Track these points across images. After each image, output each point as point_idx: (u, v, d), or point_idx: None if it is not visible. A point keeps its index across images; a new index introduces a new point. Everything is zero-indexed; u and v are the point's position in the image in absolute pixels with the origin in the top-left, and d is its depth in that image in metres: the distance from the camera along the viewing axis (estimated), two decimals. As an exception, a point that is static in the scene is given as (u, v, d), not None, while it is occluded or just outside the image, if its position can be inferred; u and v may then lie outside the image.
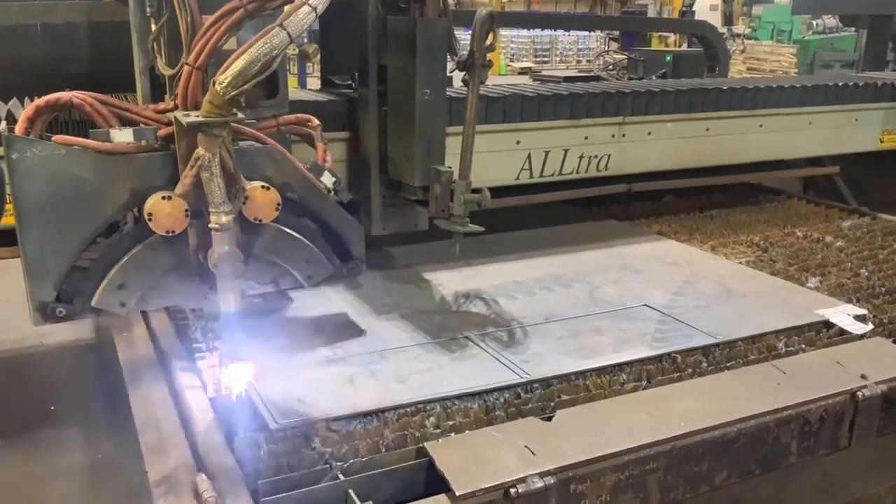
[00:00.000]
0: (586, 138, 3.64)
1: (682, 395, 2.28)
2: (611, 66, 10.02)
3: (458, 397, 2.23)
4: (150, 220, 1.98)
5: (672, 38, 15.62)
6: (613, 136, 3.72)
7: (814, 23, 15.56)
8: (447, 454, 1.90)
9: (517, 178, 3.53)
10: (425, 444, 1.94)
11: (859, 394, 2.29)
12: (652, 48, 12.42)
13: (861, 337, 2.71)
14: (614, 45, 15.61)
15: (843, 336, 2.72)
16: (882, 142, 4.56)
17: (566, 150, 3.60)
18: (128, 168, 2.04)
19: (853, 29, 10.63)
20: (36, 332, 2.53)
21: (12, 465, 2.51)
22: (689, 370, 2.45)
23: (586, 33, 17.12)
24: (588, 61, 16.76)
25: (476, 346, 2.54)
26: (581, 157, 3.65)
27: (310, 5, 1.87)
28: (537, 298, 3.00)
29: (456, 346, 2.54)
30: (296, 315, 2.67)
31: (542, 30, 16.68)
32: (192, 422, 2.08)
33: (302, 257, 2.24)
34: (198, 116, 1.92)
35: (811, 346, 2.64)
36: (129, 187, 2.04)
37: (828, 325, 2.78)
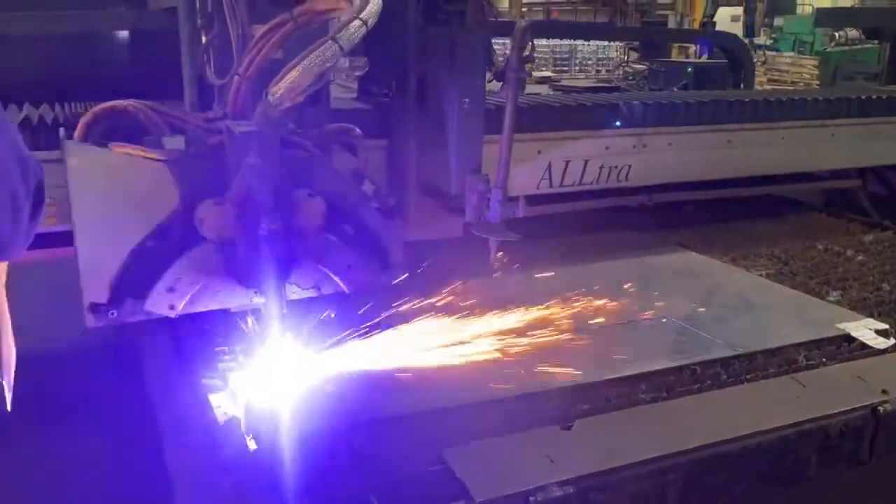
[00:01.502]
0: (607, 148, 3.64)
1: (701, 407, 2.29)
2: (630, 77, 10.01)
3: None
4: (201, 225, 2.03)
5: (692, 48, 15.57)
6: (634, 146, 3.72)
7: (836, 35, 15.46)
8: (466, 461, 1.92)
9: (537, 188, 3.54)
10: (444, 450, 1.95)
11: (881, 409, 2.28)
12: (671, 59, 12.41)
13: (883, 352, 2.69)
14: (633, 56, 15.58)
15: (865, 350, 2.70)
16: (905, 155, 4.53)
17: (586, 161, 3.61)
18: (179, 175, 2.09)
19: (876, 41, 10.57)
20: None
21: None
22: (709, 382, 2.45)
23: (606, 43, 17.07)
24: (608, 71, 16.71)
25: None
26: (601, 168, 3.66)
27: (360, 19, 1.90)
28: (556, 308, 3.01)
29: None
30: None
31: (562, 39, 16.65)
32: (217, 425, 2.11)
33: (343, 263, 2.27)
34: (250, 126, 1.97)
35: (832, 359, 2.63)
36: (180, 193, 2.09)
37: (849, 339, 2.77)
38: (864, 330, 2.81)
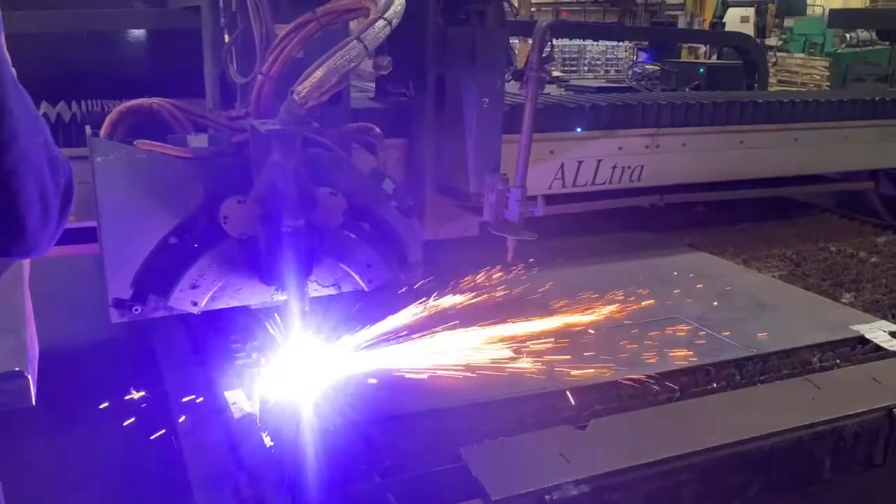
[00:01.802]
0: (620, 149, 3.64)
1: (715, 408, 2.29)
2: (640, 77, 9.99)
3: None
4: (225, 222, 2.05)
5: (702, 49, 15.53)
6: (647, 146, 3.72)
7: (847, 36, 15.39)
8: (482, 459, 1.92)
9: (549, 188, 3.55)
10: (461, 448, 1.96)
11: (895, 411, 2.27)
12: (681, 59, 12.37)
13: (897, 354, 2.69)
14: (643, 56, 15.56)
15: (879, 353, 2.70)
16: (918, 157, 4.51)
17: (599, 161, 3.61)
18: (203, 172, 2.12)
19: (887, 43, 10.53)
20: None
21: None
22: (723, 383, 2.45)
23: (615, 43, 17.04)
24: (616, 71, 16.67)
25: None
26: (614, 168, 3.66)
27: (385, 19, 1.92)
28: (569, 308, 3.01)
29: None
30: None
31: (583, 39, 16.62)
32: (233, 421, 2.13)
33: (363, 261, 2.30)
34: (274, 125, 1.99)
35: (846, 361, 2.63)
36: (204, 191, 2.12)
37: (863, 341, 2.77)
38: (879, 332, 2.80)
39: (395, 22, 1.93)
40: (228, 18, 2.45)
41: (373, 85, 3.50)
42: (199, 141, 2.15)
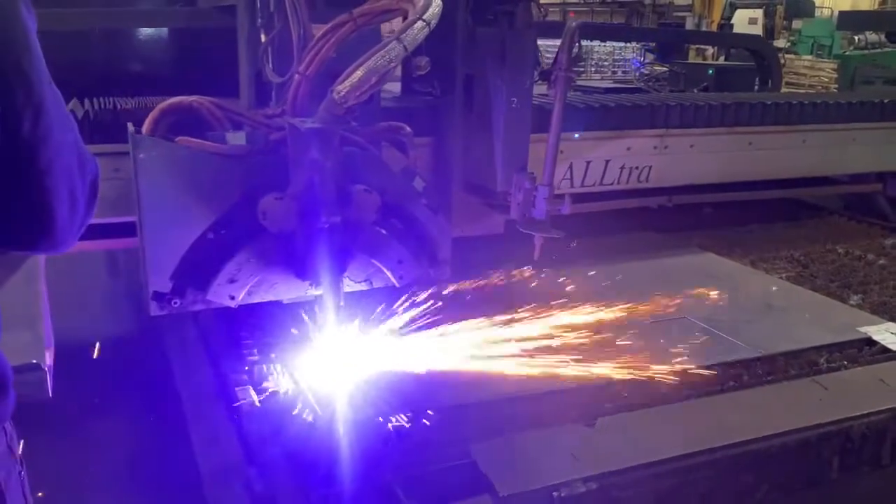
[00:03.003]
0: (628, 149, 3.65)
1: (723, 408, 2.30)
2: (649, 78, 10.02)
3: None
4: (263, 218, 2.10)
5: (710, 50, 15.53)
6: (655, 147, 3.73)
7: (855, 38, 15.35)
8: (491, 456, 1.94)
9: (558, 188, 3.54)
10: (470, 445, 1.97)
11: (903, 412, 2.28)
12: (689, 61, 12.36)
13: (905, 356, 2.70)
14: (651, 57, 15.52)
15: (886, 354, 2.70)
16: (926, 159, 4.50)
17: (607, 161, 3.62)
18: (242, 169, 2.17)
19: (896, 45, 10.52)
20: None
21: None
22: (731, 383, 2.46)
23: (623, 44, 17.02)
24: (624, 72, 16.66)
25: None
26: (622, 168, 3.67)
27: (423, 20, 1.95)
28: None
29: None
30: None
31: (603, 41, 16.63)
32: (243, 416, 2.15)
33: (395, 258, 2.34)
34: (314, 123, 2.02)
35: (853, 363, 2.63)
36: (242, 187, 2.16)
37: (870, 342, 2.77)
38: (886, 333, 2.81)
39: (433, 23, 1.97)
40: (266, 19, 2.49)
41: (391, 87, 3.52)
42: (237, 138, 2.19)
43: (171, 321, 2.73)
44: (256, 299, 2.24)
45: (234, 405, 2.22)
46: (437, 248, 2.45)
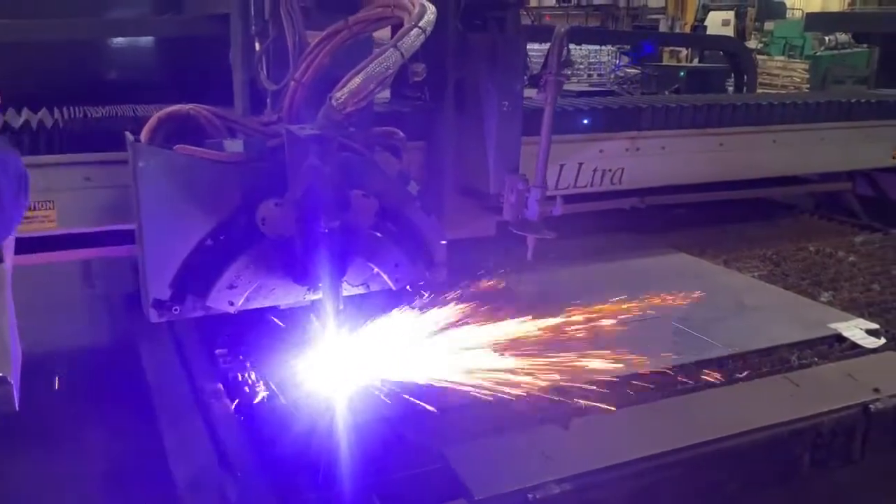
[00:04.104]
0: (601, 152, 3.68)
1: (696, 407, 2.32)
2: (623, 81, 10.10)
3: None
4: (262, 224, 2.13)
5: (683, 52, 15.70)
6: (627, 150, 3.76)
7: (826, 38, 15.59)
8: (466, 459, 1.94)
9: (532, 191, 3.57)
10: (444, 448, 1.98)
11: (872, 407, 2.31)
12: (663, 63, 12.48)
13: (873, 351, 2.73)
14: (625, 60, 15.68)
15: (856, 350, 2.74)
16: (894, 158, 4.58)
17: (580, 164, 3.65)
18: (240, 176, 2.19)
19: (865, 45, 10.69)
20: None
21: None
22: (704, 381, 2.48)
23: (598, 47, 17.16)
24: (599, 75, 16.79)
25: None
26: (595, 171, 3.70)
27: (419, 27, 1.99)
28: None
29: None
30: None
31: (596, 44, 16.78)
32: (217, 424, 2.13)
33: (391, 261, 2.37)
34: (313, 129, 2.04)
35: (824, 359, 2.67)
36: (241, 194, 2.18)
37: (840, 338, 2.81)
38: (855, 329, 2.85)
39: (429, 30, 2.01)
40: (260, 27, 2.52)
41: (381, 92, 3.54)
42: (234, 146, 2.21)
43: (145, 329, 2.71)
44: (255, 305, 2.27)
45: (208, 412, 2.21)
46: (433, 252, 2.48)
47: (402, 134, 2.52)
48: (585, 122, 3.62)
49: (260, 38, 2.54)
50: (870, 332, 2.82)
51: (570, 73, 2.72)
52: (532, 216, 2.67)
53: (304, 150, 2.05)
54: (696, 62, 13.27)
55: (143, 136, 2.21)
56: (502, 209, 2.81)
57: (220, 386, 2.35)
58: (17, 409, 1.43)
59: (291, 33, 2.30)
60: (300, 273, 2.20)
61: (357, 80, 1.95)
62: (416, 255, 2.42)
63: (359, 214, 2.21)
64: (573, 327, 2.72)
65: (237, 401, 2.26)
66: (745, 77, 5.69)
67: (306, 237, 2.12)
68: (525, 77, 3.03)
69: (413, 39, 1.97)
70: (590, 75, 17.21)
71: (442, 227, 2.53)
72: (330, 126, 2.02)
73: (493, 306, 2.69)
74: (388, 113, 3.10)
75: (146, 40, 3.63)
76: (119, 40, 3.64)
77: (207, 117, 2.25)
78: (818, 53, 15.36)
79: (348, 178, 2.19)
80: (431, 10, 2.02)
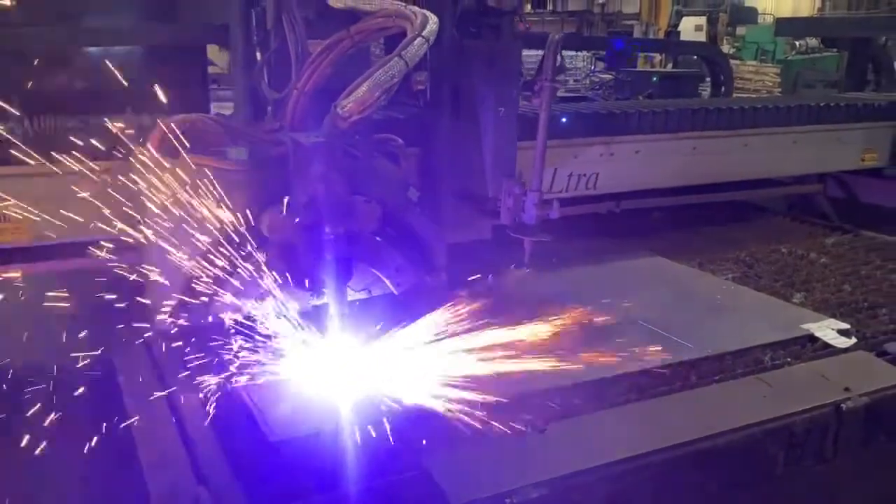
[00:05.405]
0: (575, 157, 3.71)
1: (671, 408, 2.34)
2: (597, 87, 10.19)
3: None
4: (267, 230, 2.16)
5: (657, 58, 15.86)
6: (601, 154, 3.79)
7: (797, 43, 15.81)
8: (444, 465, 1.94)
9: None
10: (423, 455, 1.98)
11: (843, 406, 2.35)
12: (637, 69, 12.59)
13: (844, 350, 2.77)
14: (600, 65, 15.80)
15: (828, 350, 2.78)
16: (863, 160, 4.65)
17: (556, 169, 3.67)
18: (245, 182, 2.22)
19: (835, 50, 10.87)
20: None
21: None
22: (679, 383, 2.51)
23: (573, 53, 17.28)
24: (575, 80, 16.92)
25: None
26: (570, 176, 3.72)
27: (423, 37, 2.03)
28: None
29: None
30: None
31: (588, 51, 16.93)
32: (192, 435, 2.12)
33: (393, 266, 2.41)
34: (318, 137, 2.06)
35: (796, 359, 2.70)
36: (247, 201, 2.20)
37: (812, 339, 2.85)
38: (827, 330, 2.89)
39: (431, 39, 2.03)
40: (261, 37, 2.53)
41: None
42: (239, 154, 2.24)
43: (120, 342, 2.69)
44: (260, 311, 2.28)
45: (184, 426, 2.20)
46: (433, 256, 2.53)
47: (400, 140, 2.55)
48: (561, 127, 3.63)
49: (262, 47, 2.57)
50: (841, 332, 2.87)
51: (564, 79, 2.78)
52: (529, 220, 2.70)
53: (309, 158, 2.08)
54: (669, 67, 13.41)
55: (151, 144, 2.23)
56: (499, 213, 2.83)
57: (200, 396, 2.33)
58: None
59: (294, 43, 2.35)
60: (304, 279, 2.23)
61: (363, 89, 1.98)
62: (417, 260, 2.47)
63: (362, 220, 2.24)
64: (543, 331, 2.73)
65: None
66: (723, 81, 5.78)
67: (310, 244, 2.14)
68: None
69: (417, 49, 2.01)
70: (566, 81, 17.31)
71: (441, 231, 2.57)
72: (335, 134, 2.05)
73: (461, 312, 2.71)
74: (384, 119, 3.11)
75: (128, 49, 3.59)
76: (98, 50, 3.60)
77: (213, 126, 2.29)
78: (789, 58, 15.59)
79: (351, 184, 2.22)
80: (434, 20, 2.06)
